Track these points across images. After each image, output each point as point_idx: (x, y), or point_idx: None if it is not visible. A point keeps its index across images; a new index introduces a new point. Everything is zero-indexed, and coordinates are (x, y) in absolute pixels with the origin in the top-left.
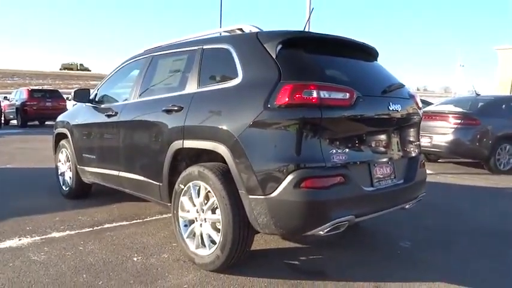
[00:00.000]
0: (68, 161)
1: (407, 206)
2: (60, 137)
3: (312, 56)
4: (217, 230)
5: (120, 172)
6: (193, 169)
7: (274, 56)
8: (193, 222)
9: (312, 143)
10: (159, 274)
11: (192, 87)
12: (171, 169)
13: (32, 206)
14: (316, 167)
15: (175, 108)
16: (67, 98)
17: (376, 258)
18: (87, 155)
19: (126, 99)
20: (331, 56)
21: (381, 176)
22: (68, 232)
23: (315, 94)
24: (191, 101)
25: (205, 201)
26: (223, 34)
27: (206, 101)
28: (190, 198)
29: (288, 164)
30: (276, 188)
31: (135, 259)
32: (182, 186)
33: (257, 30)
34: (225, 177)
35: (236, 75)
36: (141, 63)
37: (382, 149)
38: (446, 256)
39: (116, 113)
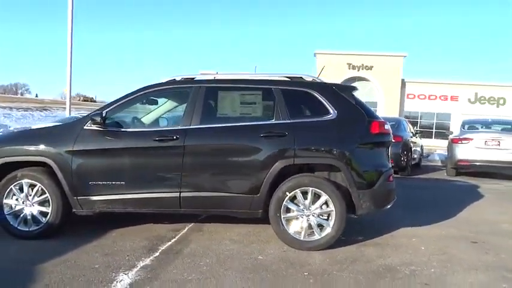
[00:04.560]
0: (38, 195)
1: None
2: (10, 167)
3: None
4: (324, 219)
5: (183, 193)
6: (302, 179)
7: (354, 102)
8: (296, 219)
9: (386, 154)
10: (297, 260)
11: (283, 118)
12: (272, 182)
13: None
14: (389, 168)
15: (276, 134)
16: None
17: None
18: (103, 182)
19: (177, 124)
20: None
21: None
22: (152, 258)
23: (388, 127)
24: (292, 129)
25: (314, 201)
26: (282, 78)
27: (309, 129)
28: (295, 201)
29: (382, 168)
30: (376, 183)
31: (260, 257)
32: (287, 194)
33: (317, 79)
34: (333, 181)
35: (328, 113)
36: (187, 91)
37: None
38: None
39: (176, 137)
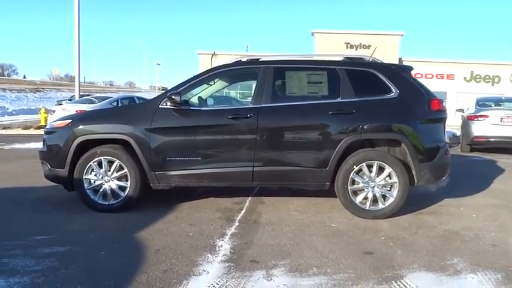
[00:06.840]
0: (116, 171)
1: None
2: (88, 145)
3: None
4: (387, 190)
5: (256, 167)
6: (368, 153)
7: (412, 81)
8: (361, 190)
9: (443, 129)
10: (368, 227)
11: (348, 97)
12: (340, 156)
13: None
14: (446, 143)
15: (344, 111)
16: None
17: None
18: (180, 158)
19: (248, 103)
20: None
21: None
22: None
23: (444, 104)
24: (358, 106)
25: (379, 173)
26: (342, 59)
27: (374, 107)
28: (361, 174)
29: (440, 142)
30: (435, 156)
31: (333, 225)
32: (355, 167)
33: (374, 59)
34: (395, 154)
35: (391, 91)
36: (256, 72)
37: None
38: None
39: (250, 115)
